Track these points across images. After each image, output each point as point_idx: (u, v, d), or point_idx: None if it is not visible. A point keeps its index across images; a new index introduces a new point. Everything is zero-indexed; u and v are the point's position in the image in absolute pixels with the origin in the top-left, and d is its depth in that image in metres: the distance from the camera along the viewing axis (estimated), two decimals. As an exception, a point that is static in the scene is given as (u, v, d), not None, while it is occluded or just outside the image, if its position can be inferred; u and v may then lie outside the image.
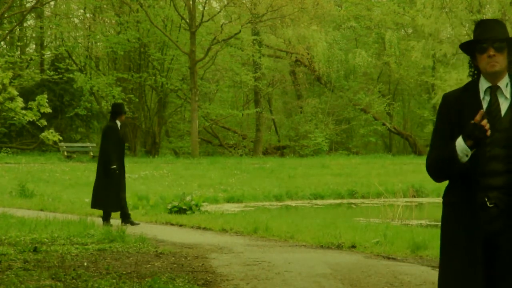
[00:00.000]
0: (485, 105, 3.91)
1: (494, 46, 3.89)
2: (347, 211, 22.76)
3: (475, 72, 4.01)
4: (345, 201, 25.81)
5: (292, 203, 24.48)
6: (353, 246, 10.93)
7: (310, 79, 51.88)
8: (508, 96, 3.92)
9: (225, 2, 44.32)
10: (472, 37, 4.06)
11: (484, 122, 3.76)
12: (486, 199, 3.80)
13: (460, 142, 3.81)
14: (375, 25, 50.35)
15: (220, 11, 45.82)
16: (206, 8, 43.84)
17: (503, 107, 3.90)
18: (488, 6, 43.26)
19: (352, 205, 24.36)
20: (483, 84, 3.95)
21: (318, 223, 14.39)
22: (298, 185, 27.73)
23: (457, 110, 3.93)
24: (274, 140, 50.66)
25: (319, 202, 25.16)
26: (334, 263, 9.15)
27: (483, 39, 3.90)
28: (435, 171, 3.96)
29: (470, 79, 4.06)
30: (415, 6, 44.17)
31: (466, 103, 3.93)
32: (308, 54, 46.35)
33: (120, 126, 13.64)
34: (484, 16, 40.50)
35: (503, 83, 3.93)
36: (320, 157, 41.68)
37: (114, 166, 13.38)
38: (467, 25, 41.65)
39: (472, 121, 3.78)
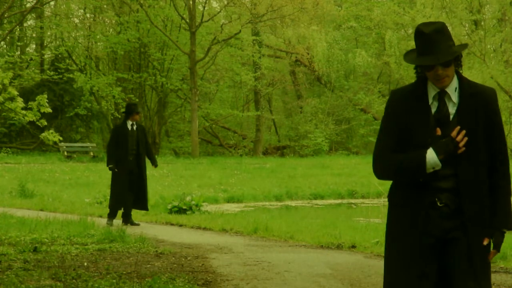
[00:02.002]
0: (433, 109, 3.93)
1: (441, 64, 3.86)
2: (347, 211, 22.75)
3: (421, 75, 3.99)
4: (345, 201, 25.79)
5: (292, 203, 24.47)
6: (353, 246, 10.93)
7: (310, 79, 51.88)
8: (455, 101, 3.93)
9: (225, 2, 44.33)
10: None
11: (460, 137, 3.83)
12: (436, 199, 3.88)
13: (431, 155, 3.85)
14: (375, 25, 50.35)
15: (220, 11, 45.83)
16: (206, 8, 43.84)
17: (451, 111, 3.92)
18: (488, 6, 43.29)
19: (352, 205, 24.35)
20: (431, 90, 3.94)
21: (318, 223, 14.40)
22: (298, 185, 27.73)
23: (405, 111, 3.94)
24: (274, 140, 50.66)
25: (319, 202, 25.15)
26: (334, 263, 9.15)
27: (433, 63, 3.85)
28: (388, 175, 4.03)
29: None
30: (415, 6, 44.16)
31: (414, 106, 3.94)
32: (308, 54, 46.36)
33: (134, 126, 13.68)
34: (484, 16, 40.54)
35: (451, 87, 3.94)
36: (320, 157, 41.69)
37: (111, 166, 13.45)
38: (467, 25, 41.68)
39: (448, 137, 3.84)
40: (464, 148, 3.85)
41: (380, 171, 4.06)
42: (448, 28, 4.03)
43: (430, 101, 3.94)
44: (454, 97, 3.94)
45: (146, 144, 13.90)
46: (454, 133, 3.84)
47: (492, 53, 43.29)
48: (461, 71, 3.99)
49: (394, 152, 3.98)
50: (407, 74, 48.89)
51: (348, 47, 50.33)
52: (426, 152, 3.86)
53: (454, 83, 3.95)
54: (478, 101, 3.92)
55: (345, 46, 50.06)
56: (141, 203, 13.72)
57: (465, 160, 3.88)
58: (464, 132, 3.85)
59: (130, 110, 13.87)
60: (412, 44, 43.91)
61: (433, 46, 3.87)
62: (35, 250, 9.52)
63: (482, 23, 42.08)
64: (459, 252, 3.88)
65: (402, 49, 47.87)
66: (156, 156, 15.23)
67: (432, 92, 3.95)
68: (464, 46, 4.04)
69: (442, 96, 3.93)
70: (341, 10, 50.39)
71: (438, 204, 3.88)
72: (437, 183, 3.89)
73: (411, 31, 52.75)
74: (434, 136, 3.89)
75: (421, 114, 3.93)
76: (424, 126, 3.91)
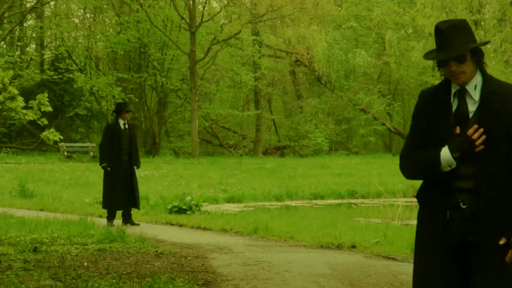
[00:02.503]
0: (454, 107, 3.91)
1: (455, 59, 3.85)
2: (347, 211, 22.75)
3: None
4: (345, 201, 25.79)
5: (292, 203, 24.47)
6: (353, 246, 10.92)
7: (310, 79, 51.88)
8: (476, 98, 3.89)
9: (225, 2, 44.33)
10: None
11: (476, 135, 3.78)
12: (459, 200, 3.85)
13: (446, 153, 3.83)
14: (375, 25, 50.36)
15: (220, 11, 45.83)
16: (206, 8, 43.84)
17: (471, 109, 3.89)
18: (488, 6, 43.27)
19: (352, 205, 24.34)
20: (453, 88, 3.94)
21: (318, 223, 14.39)
22: (298, 185, 27.73)
23: (429, 110, 3.95)
24: (274, 140, 50.66)
25: (319, 202, 25.15)
26: (334, 263, 9.15)
27: (442, 59, 3.86)
28: (413, 175, 4.01)
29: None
30: (415, 6, 44.17)
31: (437, 104, 3.94)
32: (308, 54, 46.37)
33: (126, 124, 13.66)
34: (484, 16, 40.55)
35: (471, 85, 3.90)
36: (320, 157, 41.69)
37: (104, 164, 13.46)
38: (467, 25, 41.56)
39: (463, 135, 3.81)
40: (482, 147, 3.79)
41: (404, 171, 4.05)
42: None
43: (452, 99, 3.92)
44: (475, 94, 3.90)
45: (136, 143, 13.92)
46: (470, 131, 3.79)
47: (492, 53, 43.28)
48: (485, 68, 3.96)
49: (417, 151, 3.97)
50: (407, 74, 48.92)
51: (348, 47, 50.34)
52: (441, 150, 3.84)
53: (475, 80, 3.91)
54: (500, 99, 3.86)
55: (345, 46, 50.06)
56: (133, 201, 13.72)
57: (484, 159, 3.83)
58: (481, 130, 3.79)
59: (120, 109, 13.82)
60: (412, 44, 43.97)
61: (447, 42, 3.87)
62: (35, 250, 9.52)
63: (482, 23, 42.07)
64: (479, 256, 3.85)
65: (402, 49, 47.90)
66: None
67: (453, 89, 3.93)
68: (485, 42, 4.01)
69: (462, 93, 3.90)
70: (341, 10, 50.40)
71: (462, 205, 3.84)
72: (459, 183, 3.85)
73: (411, 31, 52.79)
74: (453, 134, 3.86)
75: (442, 112, 3.91)
76: (444, 124, 3.89)
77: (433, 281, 3.91)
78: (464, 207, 3.84)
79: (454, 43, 3.85)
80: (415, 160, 3.97)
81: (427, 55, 3.98)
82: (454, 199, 3.86)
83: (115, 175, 13.44)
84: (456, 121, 3.87)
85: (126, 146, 13.59)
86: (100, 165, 13.66)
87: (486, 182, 3.83)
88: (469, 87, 3.91)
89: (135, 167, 13.77)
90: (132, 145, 13.68)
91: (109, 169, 13.43)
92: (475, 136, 3.79)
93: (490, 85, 3.91)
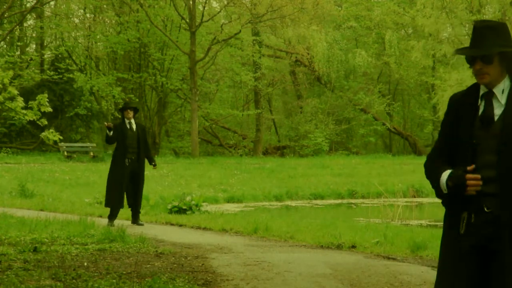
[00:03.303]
0: (481, 110, 3.92)
1: (481, 59, 3.88)
2: (347, 211, 22.76)
3: None
4: (345, 201, 25.81)
5: (292, 203, 24.48)
6: (353, 246, 10.92)
7: (310, 79, 51.88)
8: (503, 102, 3.90)
9: (225, 2, 44.32)
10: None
11: (471, 182, 3.79)
12: (483, 205, 3.84)
13: (443, 177, 3.88)
14: (375, 25, 50.35)
15: (220, 11, 45.83)
16: (206, 8, 43.84)
17: (497, 112, 3.89)
18: (488, 6, 43.25)
19: (352, 205, 24.35)
20: (481, 90, 3.96)
21: (318, 223, 14.39)
22: (298, 185, 27.73)
23: (458, 112, 3.97)
24: (274, 140, 50.66)
25: (319, 202, 25.16)
26: (334, 263, 9.15)
27: (467, 55, 3.91)
28: (428, 179, 4.07)
29: (469, 79, 4.09)
30: (415, 6, 44.15)
31: (465, 105, 3.96)
32: (308, 54, 46.36)
33: (133, 124, 13.68)
34: (484, 16, 40.52)
35: (498, 88, 3.92)
36: (320, 157, 41.68)
37: (109, 124, 13.69)
38: (467, 25, 41.64)
39: (462, 170, 3.82)
40: (474, 192, 3.80)
41: (425, 173, 4.10)
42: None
43: (479, 101, 3.94)
44: (502, 98, 3.91)
45: (146, 143, 13.91)
46: (470, 176, 3.80)
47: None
48: None
49: (442, 156, 4.00)
50: (407, 74, 48.94)
51: (348, 47, 50.34)
52: (443, 172, 3.88)
53: (502, 84, 3.92)
54: None
55: (345, 46, 50.06)
56: (135, 203, 13.75)
57: (508, 163, 3.82)
58: (478, 178, 3.79)
59: (122, 108, 14.01)
60: (412, 44, 43.94)
61: (479, 41, 3.90)
62: (35, 250, 9.51)
63: (482, 23, 42.03)
64: (500, 261, 3.83)
65: (402, 49, 47.89)
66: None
67: (481, 92, 3.95)
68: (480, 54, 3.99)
69: (489, 96, 3.92)
70: (341, 10, 50.41)
71: (485, 209, 3.84)
72: (482, 187, 3.82)
73: (411, 31, 52.79)
74: (478, 137, 3.86)
75: (469, 114, 3.93)
76: (469, 126, 3.90)
77: (453, 284, 3.90)
78: (488, 211, 3.84)
79: (485, 43, 3.88)
80: (429, 169, 4.03)
81: (458, 50, 4.01)
82: (477, 202, 3.85)
83: (118, 174, 13.46)
84: (482, 123, 3.88)
85: (133, 145, 13.55)
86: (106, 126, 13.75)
87: (507, 186, 3.82)
88: (497, 90, 3.92)
89: (152, 166, 13.84)
90: (141, 145, 13.66)
91: (111, 126, 13.47)
92: (470, 183, 3.80)
93: None
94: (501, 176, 3.82)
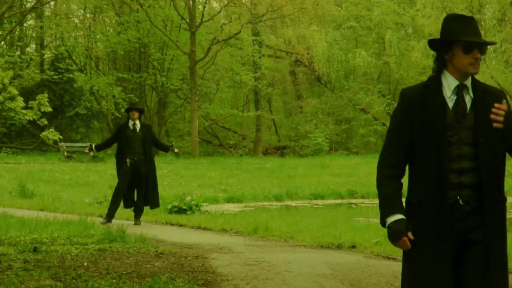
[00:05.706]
0: (450, 103, 3.92)
1: (479, 49, 3.91)
2: (347, 211, 22.76)
3: (437, 68, 4.00)
4: (345, 201, 25.80)
5: (292, 203, 24.48)
6: (353, 246, 10.92)
7: (310, 79, 51.89)
8: (472, 94, 3.94)
9: (225, 2, 44.33)
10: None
11: (402, 244, 3.95)
12: (458, 197, 3.83)
13: (389, 219, 3.92)
14: (375, 25, 50.34)
15: (220, 11, 45.82)
16: (206, 8, 43.86)
17: (468, 105, 3.93)
18: (488, 6, 43.26)
19: (352, 205, 24.35)
20: (450, 82, 3.94)
21: (318, 223, 14.39)
22: (298, 185, 27.72)
23: (421, 107, 3.93)
24: (274, 140, 50.66)
25: (319, 202, 25.15)
26: (334, 263, 9.15)
27: (476, 42, 3.90)
28: (378, 194, 4.07)
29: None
30: (415, 6, 44.15)
31: (430, 100, 3.93)
32: (308, 54, 46.36)
33: (137, 125, 13.67)
34: (484, 16, 40.52)
35: (468, 82, 3.96)
36: (320, 157, 41.68)
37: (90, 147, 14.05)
38: (467, 25, 41.57)
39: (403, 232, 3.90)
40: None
41: (377, 185, 4.06)
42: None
43: (448, 94, 3.94)
44: (470, 90, 3.96)
45: (154, 141, 13.92)
46: (405, 239, 3.89)
47: (492, 53, 43.29)
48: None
49: (398, 167, 3.97)
50: (407, 74, 48.91)
51: (348, 47, 50.34)
52: (390, 214, 3.90)
53: (470, 78, 3.97)
54: (490, 98, 3.92)
55: (345, 46, 50.06)
56: (153, 201, 13.77)
57: (485, 153, 3.85)
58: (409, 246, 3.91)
59: (127, 109, 14.06)
60: (412, 44, 43.93)
61: (476, 31, 3.93)
62: (35, 250, 9.51)
63: (482, 23, 42.06)
64: (477, 255, 3.84)
65: (402, 49, 47.88)
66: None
67: (451, 84, 3.95)
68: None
69: (461, 89, 3.94)
70: (341, 10, 50.39)
71: (461, 202, 3.84)
72: (458, 178, 3.84)
73: (411, 31, 52.78)
74: (452, 128, 3.88)
75: (439, 108, 3.92)
76: (442, 119, 3.89)
77: (428, 281, 3.87)
78: (462, 204, 3.84)
79: (480, 34, 3.92)
80: (382, 189, 3.97)
81: (453, 34, 3.93)
82: (452, 196, 3.84)
83: (120, 175, 13.52)
84: (456, 116, 3.89)
85: (136, 147, 13.49)
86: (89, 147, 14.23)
87: (488, 176, 3.83)
88: (468, 83, 3.96)
89: (174, 153, 14.17)
90: (146, 146, 13.63)
91: (92, 154, 13.70)
92: (401, 244, 3.91)
93: (479, 84, 3.99)
94: (481, 166, 3.82)
